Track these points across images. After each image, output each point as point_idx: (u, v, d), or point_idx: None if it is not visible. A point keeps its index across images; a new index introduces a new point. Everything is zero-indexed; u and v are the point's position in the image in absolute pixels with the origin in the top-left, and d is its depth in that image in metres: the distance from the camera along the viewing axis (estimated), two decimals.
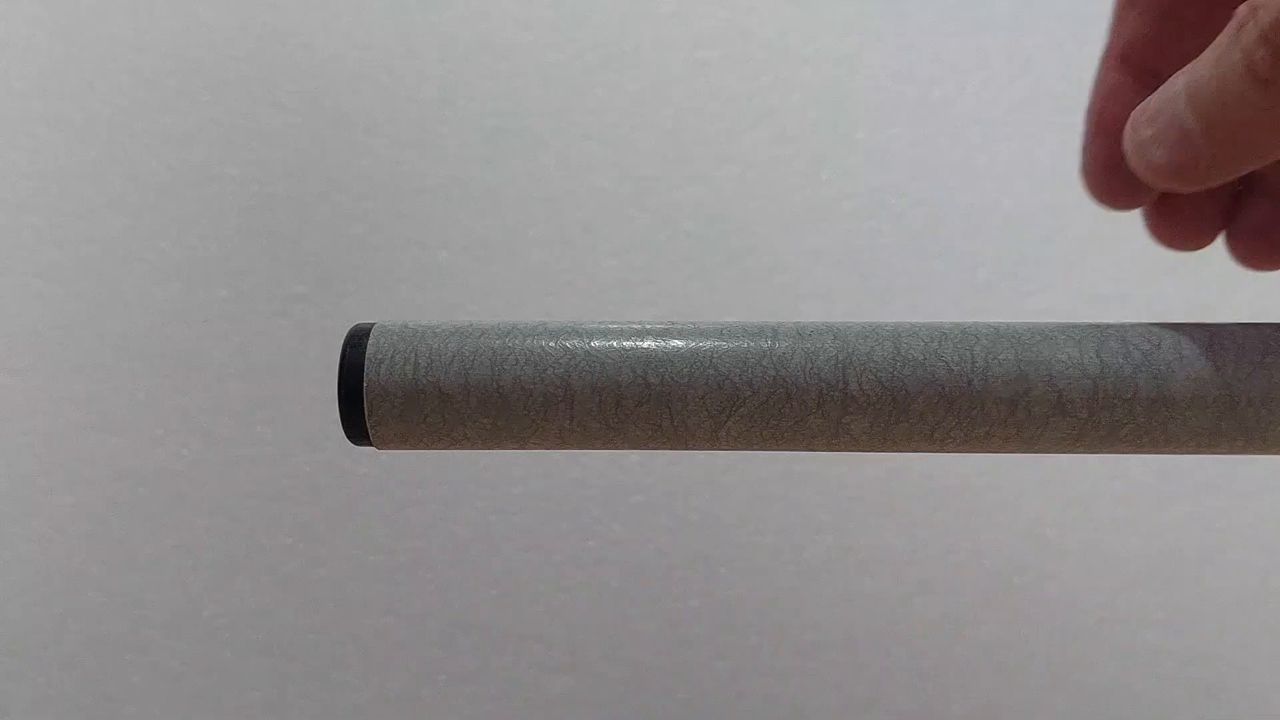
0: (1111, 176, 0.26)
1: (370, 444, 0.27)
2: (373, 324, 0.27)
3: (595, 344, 0.26)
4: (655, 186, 0.57)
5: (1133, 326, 0.25)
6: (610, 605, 0.56)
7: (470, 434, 0.27)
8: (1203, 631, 0.54)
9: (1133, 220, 0.27)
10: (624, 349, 0.26)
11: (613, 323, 0.27)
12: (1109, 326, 0.25)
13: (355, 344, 0.27)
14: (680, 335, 0.26)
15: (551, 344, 0.26)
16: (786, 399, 0.25)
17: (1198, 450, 0.25)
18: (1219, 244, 0.26)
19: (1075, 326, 0.25)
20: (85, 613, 0.57)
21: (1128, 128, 0.23)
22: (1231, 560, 0.54)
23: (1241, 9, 0.19)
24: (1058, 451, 0.25)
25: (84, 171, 0.57)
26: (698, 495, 0.56)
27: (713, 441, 0.25)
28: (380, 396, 0.26)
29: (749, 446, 0.25)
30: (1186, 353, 0.24)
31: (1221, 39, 0.20)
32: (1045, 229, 0.55)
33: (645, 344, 0.26)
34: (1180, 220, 0.26)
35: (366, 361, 0.27)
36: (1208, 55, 0.20)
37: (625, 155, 0.57)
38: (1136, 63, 0.26)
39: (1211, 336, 0.24)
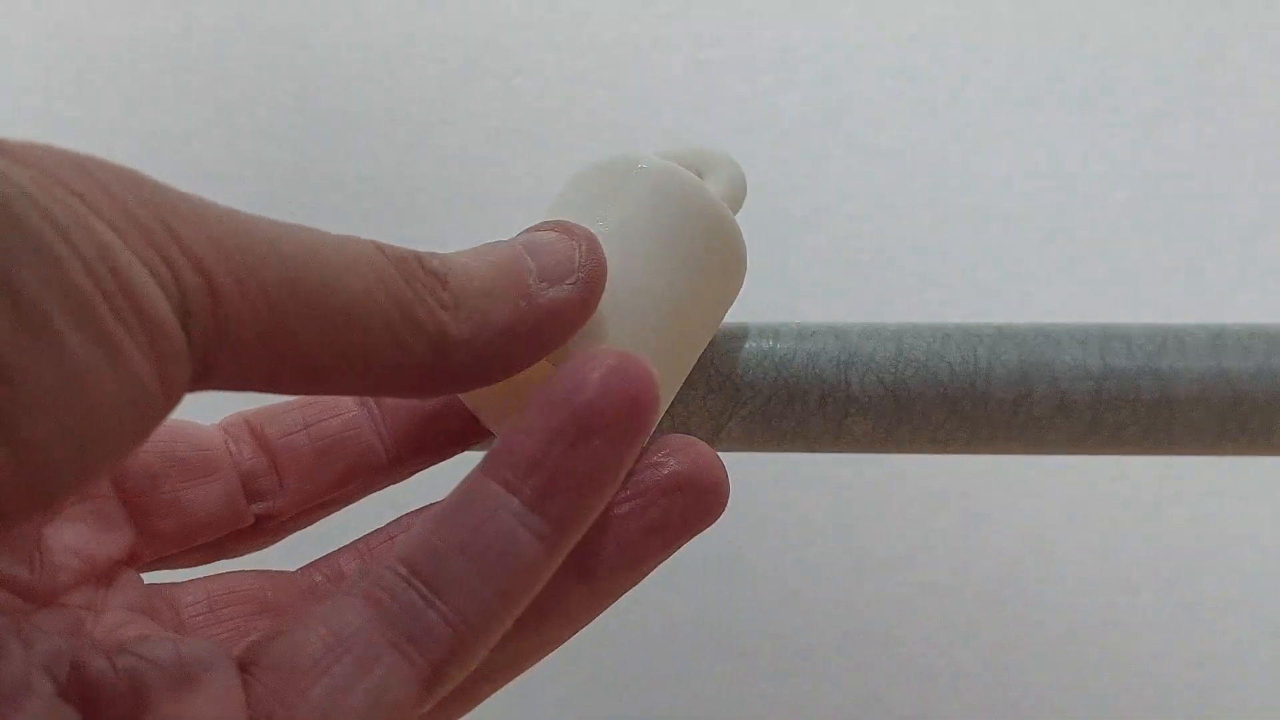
0: None
1: None
2: None
3: None
4: None
5: (1136, 327, 0.25)
6: (610, 605, 0.56)
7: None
8: (1203, 634, 0.54)
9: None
10: None
11: None
12: (1112, 327, 0.25)
13: None
14: None
15: None
16: (788, 400, 0.24)
17: (1201, 452, 0.25)
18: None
19: (1079, 327, 0.25)
20: None
21: None
22: (1232, 562, 0.54)
23: None
24: (1061, 453, 0.25)
25: None
26: None
27: (713, 442, 0.25)
28: None
29: (750, 447, 0.25)
30: (1190, 354, 0.24)
31: None
32: (1047, 229, 0.55)
33: None
34: None
35: None
36: None
37: None
38: None
39: (1215, 337, 0.24)
